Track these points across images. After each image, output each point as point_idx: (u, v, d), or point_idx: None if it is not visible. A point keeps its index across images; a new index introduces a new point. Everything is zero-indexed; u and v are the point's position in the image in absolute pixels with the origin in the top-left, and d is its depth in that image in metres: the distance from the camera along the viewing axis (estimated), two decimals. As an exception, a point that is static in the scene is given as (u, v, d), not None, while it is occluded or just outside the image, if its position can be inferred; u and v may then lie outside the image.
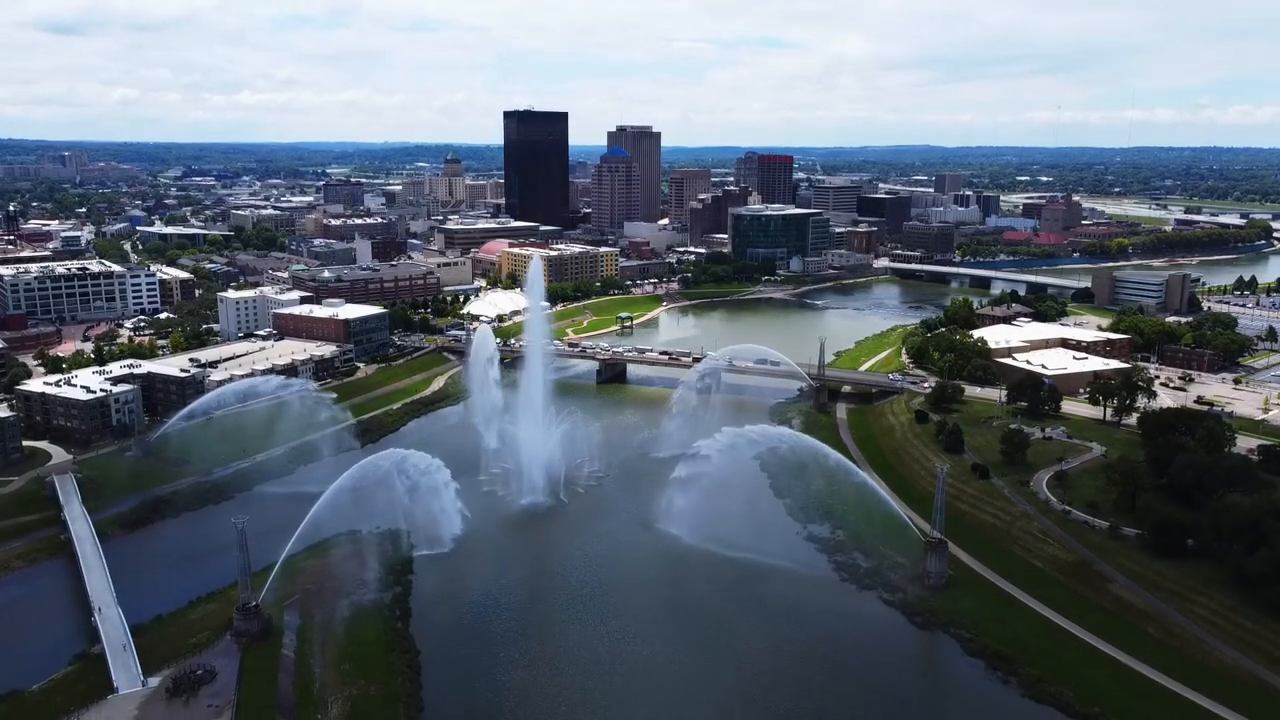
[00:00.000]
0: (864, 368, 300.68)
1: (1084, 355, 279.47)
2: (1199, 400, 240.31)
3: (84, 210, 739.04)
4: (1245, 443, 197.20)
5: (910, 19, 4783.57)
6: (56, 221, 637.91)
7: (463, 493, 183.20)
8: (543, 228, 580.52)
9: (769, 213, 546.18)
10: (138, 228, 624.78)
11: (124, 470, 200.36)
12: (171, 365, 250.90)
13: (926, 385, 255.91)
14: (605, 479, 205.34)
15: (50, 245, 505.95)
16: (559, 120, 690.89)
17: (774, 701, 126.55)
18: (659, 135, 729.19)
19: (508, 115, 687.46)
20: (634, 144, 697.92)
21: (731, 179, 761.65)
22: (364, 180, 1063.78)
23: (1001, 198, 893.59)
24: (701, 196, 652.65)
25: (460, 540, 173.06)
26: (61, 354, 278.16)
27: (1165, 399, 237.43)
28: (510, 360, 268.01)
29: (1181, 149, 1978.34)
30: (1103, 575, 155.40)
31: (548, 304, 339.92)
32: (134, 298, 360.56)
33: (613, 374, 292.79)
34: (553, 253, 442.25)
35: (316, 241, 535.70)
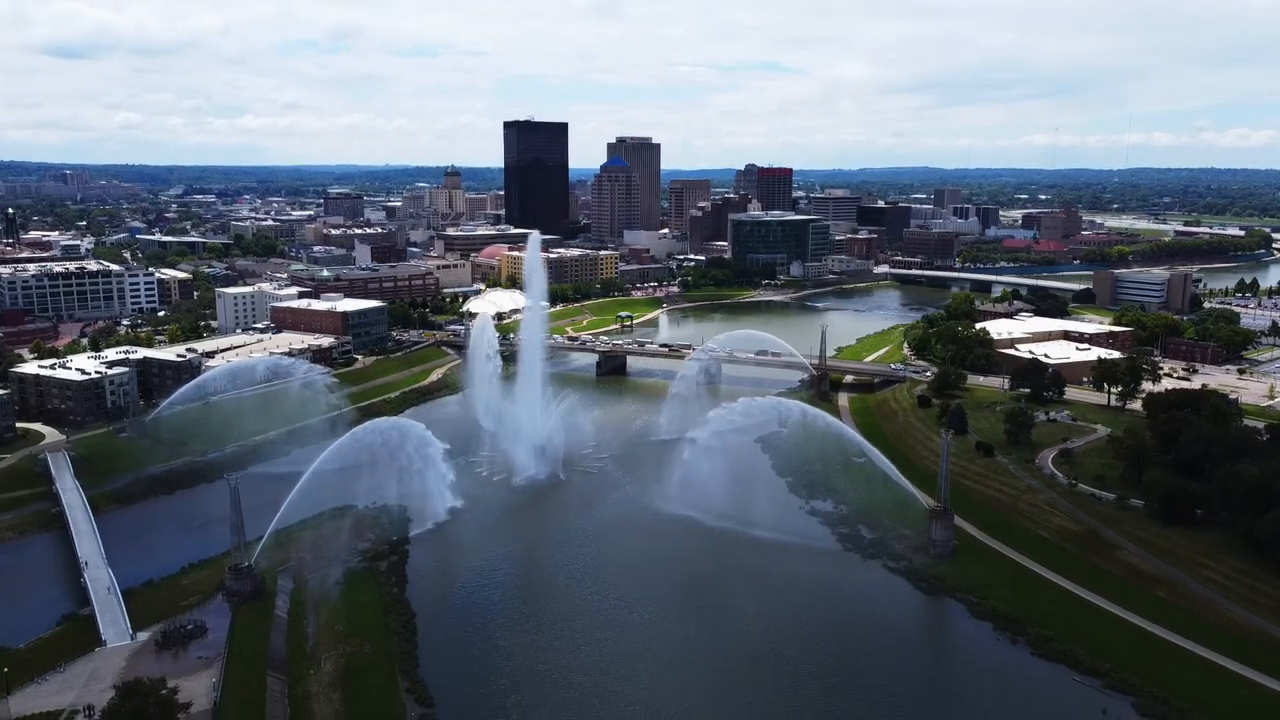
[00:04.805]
0: (865, 361, 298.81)
1: (1086, 346, 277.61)
2: (1203, 388, 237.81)
3: (84, 224, 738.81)
4: (1251, 426, 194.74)
5: (909, 43, 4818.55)
6: (57, 233, 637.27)
7: (461, 472, 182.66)
8: (543, 236, 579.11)
9: (769, 218, 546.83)
10: (137, 237, 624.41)
11: (118, 450, 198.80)
12: (168, 352, 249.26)
13: (928, 375, 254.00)
14: (605, 459, 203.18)
15: (50, 253, 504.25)
16: (559, 131, 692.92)
17: (776, 664, 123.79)
18: (659, 146, 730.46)
19: (508, 125, 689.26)
20: (634, 155, 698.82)
21: (731, 196, 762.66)
22: (365, 196, 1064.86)
23: (1001, 212, 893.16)
24: (701, 204, 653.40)
25: (457, 513, 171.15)
26: (58, 347, 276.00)
27: (1169, 387, 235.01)
28: (509, 354, 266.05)
29: (1179, 170, 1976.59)
30: (1111, 543, 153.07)
31: (547, 304, 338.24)
32: (132, 297, 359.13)
33: (613, 367, 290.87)
34: (553, 255, 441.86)
35: (316, 248, 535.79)
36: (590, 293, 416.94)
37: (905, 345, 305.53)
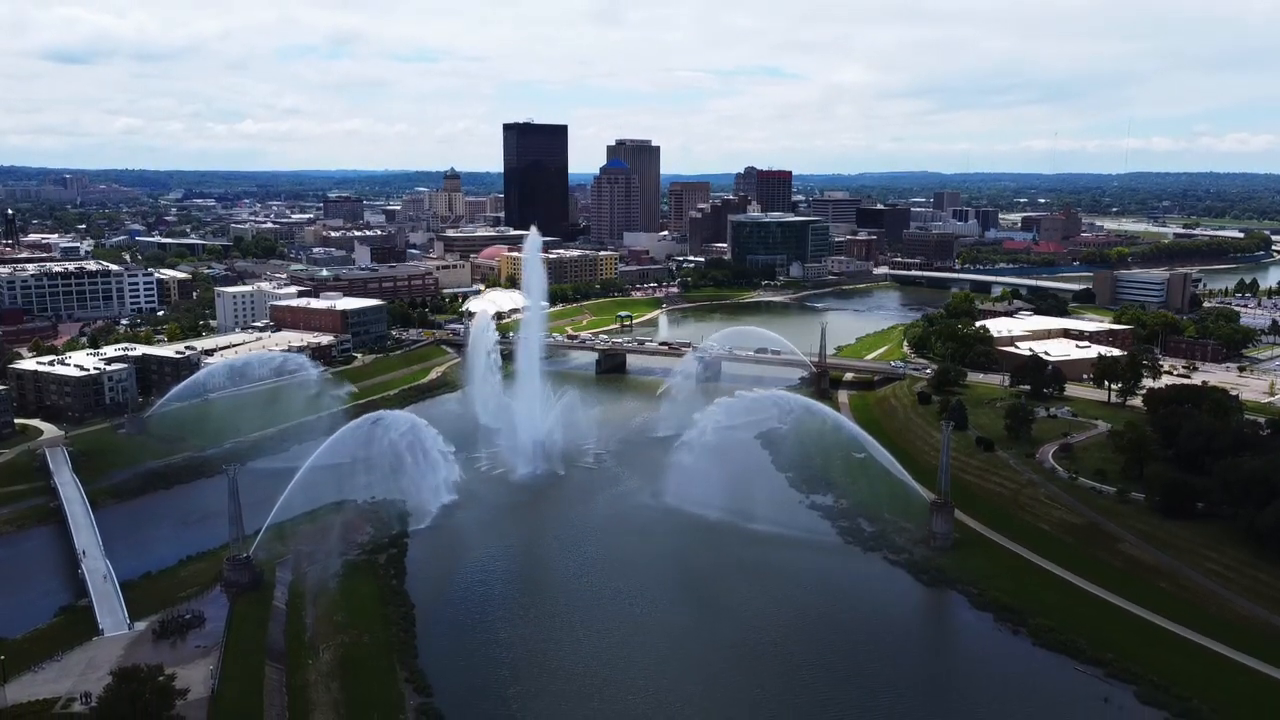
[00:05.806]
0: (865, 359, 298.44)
1: (1087, 344, 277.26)
2: (1204, 384, 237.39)
3: (84, 227, 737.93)
4: (1252, 421, 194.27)
5: (908, 48, 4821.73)
6: (56, 235, 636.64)
7: (461, 467, 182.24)
8: (543, 237, 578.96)
9: (769, 219, 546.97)
10: (137, 239, 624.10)
11: (116, 445, 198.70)
12: (167, 350, 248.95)
13: (928, 372, 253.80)
14: (605, 455, 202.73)
15: (50, 255, 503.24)
16: (558, 133, 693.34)
17: (777, 655, 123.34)
18: (658, 149, 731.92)
19: (507, 128, 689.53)
20: (633, 157, 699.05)
21: (730, 198, 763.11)
22: (364, 200, 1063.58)
23: (1000, 215, 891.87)
24: (701, 206, 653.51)
25: (456, 508, 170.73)
26: (57, 346, 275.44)
27: (1170, 383, 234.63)
28: (508, 352, 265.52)
29: (1179, 174, 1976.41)
30: (1112, 536, 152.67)
31: (546, 304, 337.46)
32: (131, 297, 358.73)
33: (612, 365, 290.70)
34: (552, 255, 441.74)
35: (316, 250, 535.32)
36: (590, 293, 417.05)
37: (905, 343, 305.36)
